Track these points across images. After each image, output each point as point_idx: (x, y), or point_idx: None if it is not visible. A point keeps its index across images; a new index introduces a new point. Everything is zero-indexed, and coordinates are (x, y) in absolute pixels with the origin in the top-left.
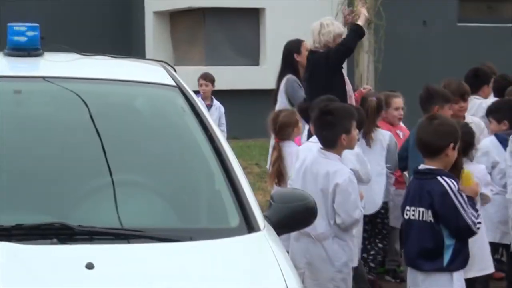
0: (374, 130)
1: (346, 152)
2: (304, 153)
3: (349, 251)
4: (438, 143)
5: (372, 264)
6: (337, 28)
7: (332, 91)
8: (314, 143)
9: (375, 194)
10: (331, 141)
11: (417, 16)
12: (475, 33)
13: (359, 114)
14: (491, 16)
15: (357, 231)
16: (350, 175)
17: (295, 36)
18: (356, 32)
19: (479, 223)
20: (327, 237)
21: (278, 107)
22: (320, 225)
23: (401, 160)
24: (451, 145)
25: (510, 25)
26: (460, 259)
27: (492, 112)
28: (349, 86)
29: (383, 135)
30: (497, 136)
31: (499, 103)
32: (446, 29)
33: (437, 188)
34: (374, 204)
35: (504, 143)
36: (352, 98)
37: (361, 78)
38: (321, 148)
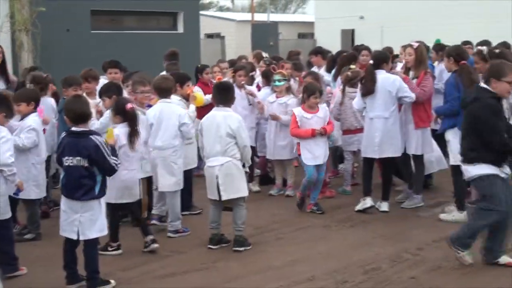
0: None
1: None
2: None
3: None
4: (89, 112)
5: None
6: None
7: None
8: None
9: None
10: None
11: (63, 25)
12: (105, 38)
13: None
14: (115, 25)
15: None
16: None
17: None
18: None
19: (120, 163)
20: None
21: None
22: None
23: None
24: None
25: (130, 32)
26: (104, 189)
27: (102, 93)
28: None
29: None
30: None
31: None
32: (83, 35)
33: (91, 143)
34: None
35: None
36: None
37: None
38: None
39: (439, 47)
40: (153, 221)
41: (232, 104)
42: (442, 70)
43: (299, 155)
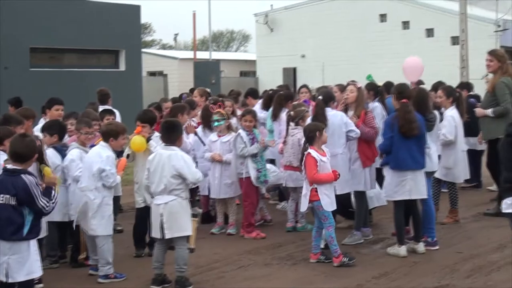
0: None
1: None
2: None
3: None
4: (30, 153)
5: None
6: None
7: None
8: None
9: None
10: None
11: (1, 63)
12: (44, 76)
13: None
14: (55, 63)
15: None
16: None
17: None
18: None
19: (53, 203)
20: None
21: None
22: None
23: None
24: (36, 155)
25: (71, 69)
26: (35, 231)
27: (44, 129)
28: None
29: None
30: (54, 147)
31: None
32: (22, 73)
33: (21, 182)
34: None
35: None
36: None
37: None
38: None
39: (370, 86)
40: (91, 271)
41: (180, 143)
42: (373, 109)
43: (315, 201)
